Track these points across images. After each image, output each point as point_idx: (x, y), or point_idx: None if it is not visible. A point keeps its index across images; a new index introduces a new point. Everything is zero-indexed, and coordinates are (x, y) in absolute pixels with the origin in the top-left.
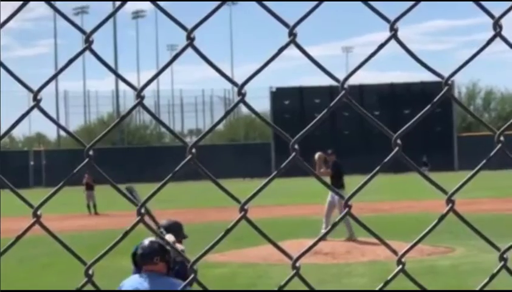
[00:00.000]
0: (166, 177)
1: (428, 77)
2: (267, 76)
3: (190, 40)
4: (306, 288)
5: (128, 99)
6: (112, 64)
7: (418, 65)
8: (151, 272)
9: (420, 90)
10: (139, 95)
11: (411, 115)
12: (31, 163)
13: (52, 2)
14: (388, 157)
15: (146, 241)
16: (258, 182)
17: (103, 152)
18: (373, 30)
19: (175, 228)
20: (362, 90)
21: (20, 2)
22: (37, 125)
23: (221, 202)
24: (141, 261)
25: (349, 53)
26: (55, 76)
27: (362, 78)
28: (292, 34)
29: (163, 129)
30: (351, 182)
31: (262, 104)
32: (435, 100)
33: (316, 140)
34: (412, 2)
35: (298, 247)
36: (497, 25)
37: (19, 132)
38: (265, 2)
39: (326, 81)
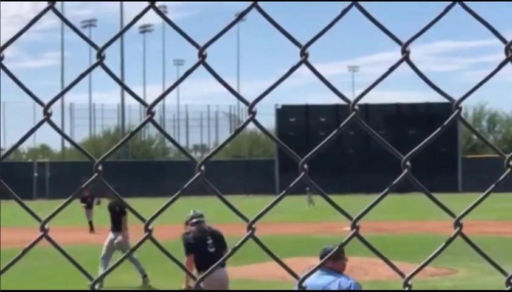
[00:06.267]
0: (170, 191)
1: (434, 98)
2: (272, 93)
3: (202, 57)
4: None
5: (134, 113)
6: (118, 77)
7: (423, 85)
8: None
9: (425, 111)
10: (149, 112)
11: (416, 136)
12: (35, 175)
13: (63, 15)
14: (397, 180)
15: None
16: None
17: (107, 166)
18: (379, 49)
19: None
20: (367, 110)
21: (21, 3)
22: (41, 137)
23: (226, 218)
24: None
25: (355, 72)
26: (66, 90)
27: (367, 96)
28: (303, 54)
29: (168, 144)
30: (355, 201)
31: (267, 121)
32: (446, 123)
33: (320, 158)
34: (424, 23)
35: (302, 265)
36: (508, 50)
37: (23, 144)
38: (276, 19)
39: (332, 100)
